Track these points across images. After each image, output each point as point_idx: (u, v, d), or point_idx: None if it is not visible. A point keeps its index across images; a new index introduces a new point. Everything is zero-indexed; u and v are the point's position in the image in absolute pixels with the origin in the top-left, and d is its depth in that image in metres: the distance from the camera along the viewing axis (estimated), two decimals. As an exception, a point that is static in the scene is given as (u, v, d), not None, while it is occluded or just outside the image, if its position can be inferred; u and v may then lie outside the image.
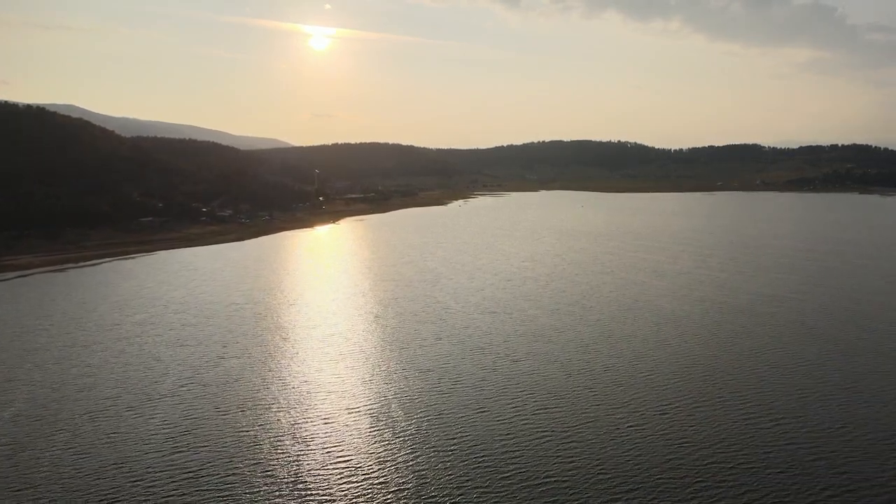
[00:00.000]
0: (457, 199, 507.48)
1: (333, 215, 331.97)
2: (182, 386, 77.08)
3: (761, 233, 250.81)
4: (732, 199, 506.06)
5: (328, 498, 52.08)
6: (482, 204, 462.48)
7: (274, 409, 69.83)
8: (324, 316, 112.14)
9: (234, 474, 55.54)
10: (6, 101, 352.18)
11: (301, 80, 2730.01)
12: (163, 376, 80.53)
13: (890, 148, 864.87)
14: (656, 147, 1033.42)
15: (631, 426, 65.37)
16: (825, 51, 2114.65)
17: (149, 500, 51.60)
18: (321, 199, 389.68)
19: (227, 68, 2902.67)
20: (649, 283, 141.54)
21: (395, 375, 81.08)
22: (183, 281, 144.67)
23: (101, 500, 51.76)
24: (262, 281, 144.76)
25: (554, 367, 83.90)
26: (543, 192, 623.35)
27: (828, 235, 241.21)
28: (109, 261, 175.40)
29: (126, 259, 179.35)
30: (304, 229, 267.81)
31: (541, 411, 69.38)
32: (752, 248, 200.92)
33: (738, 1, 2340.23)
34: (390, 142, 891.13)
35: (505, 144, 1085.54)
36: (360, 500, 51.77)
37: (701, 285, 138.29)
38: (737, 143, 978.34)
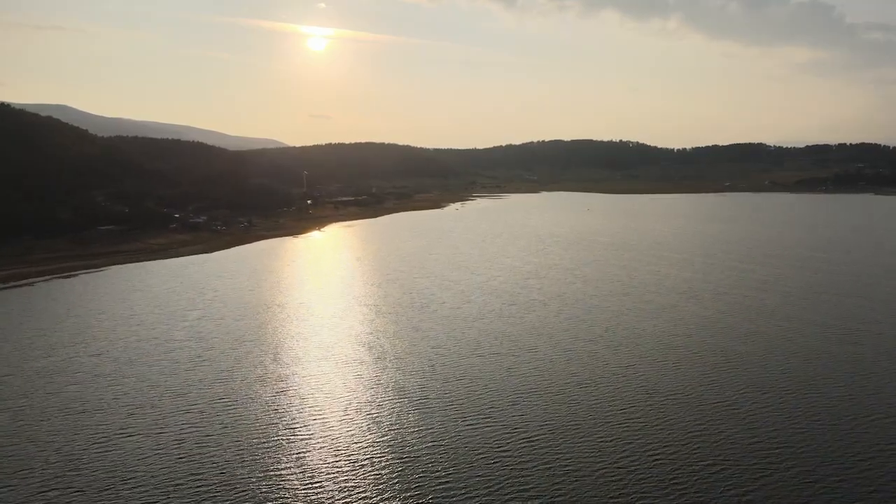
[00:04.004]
0: (454, 201, 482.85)
1: (319, 221, 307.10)
2: (44, 491, 52.65)
3: (796, 241, 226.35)
4: (745, 201, 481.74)
5: None
6: (481, 206, 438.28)
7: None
8: (279, 362, 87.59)
9: None
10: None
11: (298, 80, 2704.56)
12: (24, 471, 56.02)
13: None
14: (658, 147, 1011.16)
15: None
16: (824, 50, 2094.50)
17: None
18: (309, 202, 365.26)
19: (223, 68, 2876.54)
20: (682, 309, 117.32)
21: (358, 470, 56.67)
22: (121, 307, 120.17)
23: None
24: (216, 307, 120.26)
25: (584, 452, 59.45)
26: (544, 194, 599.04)
27: (880, 243, 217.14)
28: (48, 279, 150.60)
29: (70, 277, 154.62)
30: (285, 237, 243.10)
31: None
32: (792, 262, 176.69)
33: (735, 0, 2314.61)
34: (386, 141, 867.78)
35: (504, 144, 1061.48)
36: None
37: (748, 313, 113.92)
38: (741, 142, 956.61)
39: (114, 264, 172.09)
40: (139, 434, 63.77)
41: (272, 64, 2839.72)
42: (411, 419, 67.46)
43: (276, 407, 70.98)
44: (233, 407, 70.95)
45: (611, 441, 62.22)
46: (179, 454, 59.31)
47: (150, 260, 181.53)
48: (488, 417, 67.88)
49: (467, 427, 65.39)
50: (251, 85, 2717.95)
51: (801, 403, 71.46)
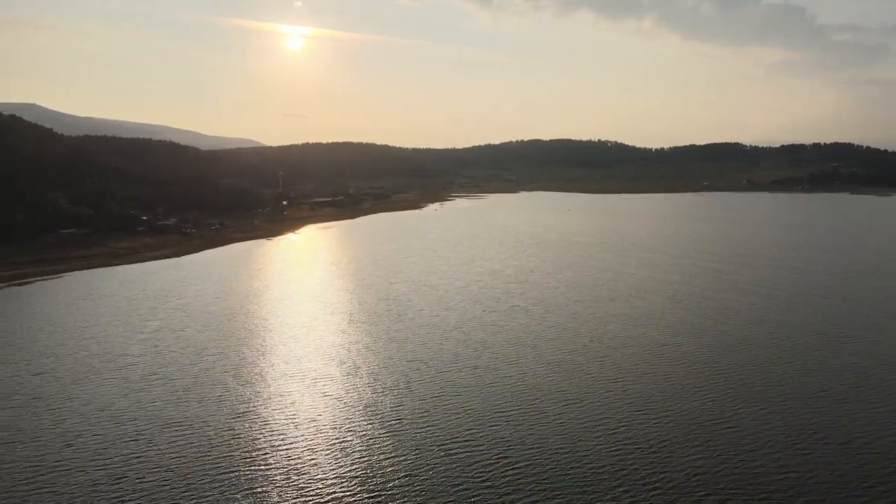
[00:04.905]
0: (433, 201, 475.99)
1: (295, 222, 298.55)
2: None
3: (781, 243, 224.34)
4: (724, 201, 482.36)
5: None
6: (460, 207, 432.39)
7: None
8: (240, 380, 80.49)
9: None
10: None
11: (275, 79, 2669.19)
12: (-66, 520, 48.85)
13: (871, 146, 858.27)
14: (636, 146, 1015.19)
15: None
16: (797, 51, 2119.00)
17: None
18: (284, 203, 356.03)
19: (200, 67, 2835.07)
20: (670, 315, 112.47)
21: (320, 509, 50.36)
22: (75, 318, 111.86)
23: None
24: (178, 317, 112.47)
25: (573, 480, 53.63)
26: (523, 194, 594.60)
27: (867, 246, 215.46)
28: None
29: (23, 284, 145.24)
30: (258, 240, 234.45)
31: None
32: (779, 264, 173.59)
33: (709, 1, 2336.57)
34: (364, 141, 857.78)
35: (482, 144, 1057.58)
36: None
37: (737, 319, 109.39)
38: (718, 142, 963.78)
39: (73, 270, 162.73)
40: (75, 469, 56.61)
41: (249, 63, 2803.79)
42: (384, 446, 61.17)
43: (233, 433, 64.11)
44: (185, 433, 63.96)
45: (602, 468, 56.58)
46: (118, 493, 52.35)
47: (112, 265, 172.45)
48: (468, 442, 61.86)
49: (445, 454, 59.29)
50: (228, 84, 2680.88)
51: (800, 420, 66.57)
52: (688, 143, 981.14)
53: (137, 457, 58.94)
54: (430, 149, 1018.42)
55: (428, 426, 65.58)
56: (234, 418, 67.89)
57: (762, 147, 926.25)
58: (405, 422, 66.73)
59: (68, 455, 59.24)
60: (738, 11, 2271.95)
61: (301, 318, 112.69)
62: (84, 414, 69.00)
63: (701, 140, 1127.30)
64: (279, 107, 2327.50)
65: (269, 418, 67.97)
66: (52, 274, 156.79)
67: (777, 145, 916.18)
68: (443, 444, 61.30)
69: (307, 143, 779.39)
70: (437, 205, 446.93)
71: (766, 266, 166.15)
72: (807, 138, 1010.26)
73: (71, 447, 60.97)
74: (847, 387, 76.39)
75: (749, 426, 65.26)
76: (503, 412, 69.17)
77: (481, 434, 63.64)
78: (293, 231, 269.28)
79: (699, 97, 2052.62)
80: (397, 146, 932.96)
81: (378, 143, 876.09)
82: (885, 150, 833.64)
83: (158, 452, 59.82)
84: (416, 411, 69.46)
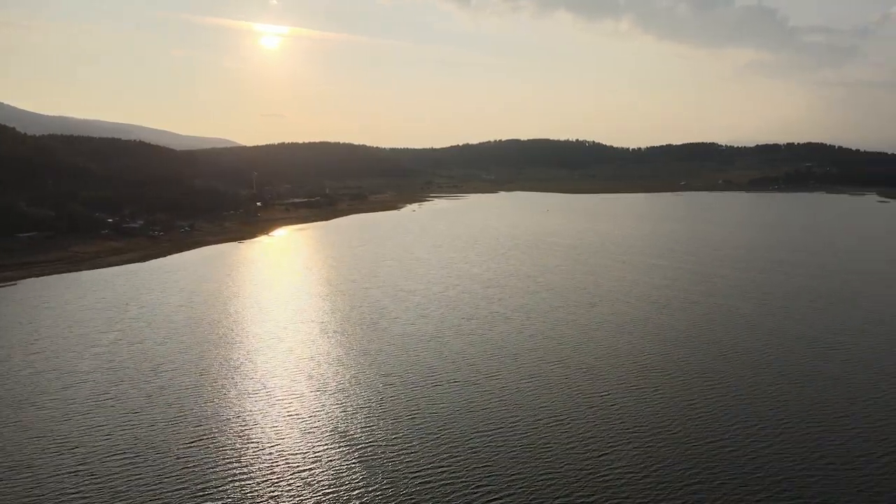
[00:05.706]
0: (411, 202, 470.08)
1: (269, 224, 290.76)
2: None
3: (753, 242, 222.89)
4: (700, 201, 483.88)
5: None
6: (438, 207, 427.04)
7: None
8: (199, 398, 74.18)
9: None
10: None
11: (252, 78, 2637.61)
12: None
13: (843, 146, 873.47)
14: (614, 146, 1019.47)
15: None
16: (770, 52, 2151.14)
17: None
18: (258, 204, 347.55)
19: (175, 66, 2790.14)
20: (656, 322, 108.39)
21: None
22: (24, 330, 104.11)
23: None
24: (138, 328, 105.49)
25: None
26: (502, 194, 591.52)
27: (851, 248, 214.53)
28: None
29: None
30: (229, 243, 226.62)
31: None
32: (763, 265, 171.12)
33: (684, 2, 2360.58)
34: (341, 141, 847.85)
35: (460, 144, 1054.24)
36: None
37: (727, 325, 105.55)
38: (694, 141, 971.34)
39: (29, 277, 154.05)
40: (2, 510, 50.24)
41: (225, 62, 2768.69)
42: (353, 475, 55.61)
43: (186, 462, 57.98)
44: (132, 463, 57.68)
45: (591, 495, 51.71)
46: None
47: (72, 271, 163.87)
48: (445, 469, 56.57)
49: (420, 484, 53.95)
50: (204, 83, 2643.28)
51: (802, 439, 62.43)
52: (664, 143, 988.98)
53: (76, 492, 52.71)
54: (407, 149, 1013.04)
55: (402, 451, 60.14)
56: (188, 444, 61.75)
57: (737, 147, 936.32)
58: (377, 446, 61.19)
59: (-5, 493, 52.77)
60: (713, 13, 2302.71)
61: (269, 327, 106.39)
62: (20, 443, 62.28)
63: (677, 140, 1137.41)
64: (257, 106, 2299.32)
65: (227, 444, 61.94)
66: (6, 281, 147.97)
67: (752, 145, 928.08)
68: (418, 472, 55.99)
69: (283, 144, 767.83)
70: (415, 205, 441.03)
71: (745, 267, 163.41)
72: (781, 138, 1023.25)
73: (1, 482, 54.41)
74: (846, 396, 72.63)
75: (747, 448, 60.89)
76: (483, 433, 63.97)
77: (459, 459, 58.40)
78: (267, 233, 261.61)
79: (676, 97, 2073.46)
80: (374, 146, 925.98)
81: (355, 142, 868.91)
82: (857, 150, 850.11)
83: (100, 487, 53.59)
84: (390, 434, 63.96)
